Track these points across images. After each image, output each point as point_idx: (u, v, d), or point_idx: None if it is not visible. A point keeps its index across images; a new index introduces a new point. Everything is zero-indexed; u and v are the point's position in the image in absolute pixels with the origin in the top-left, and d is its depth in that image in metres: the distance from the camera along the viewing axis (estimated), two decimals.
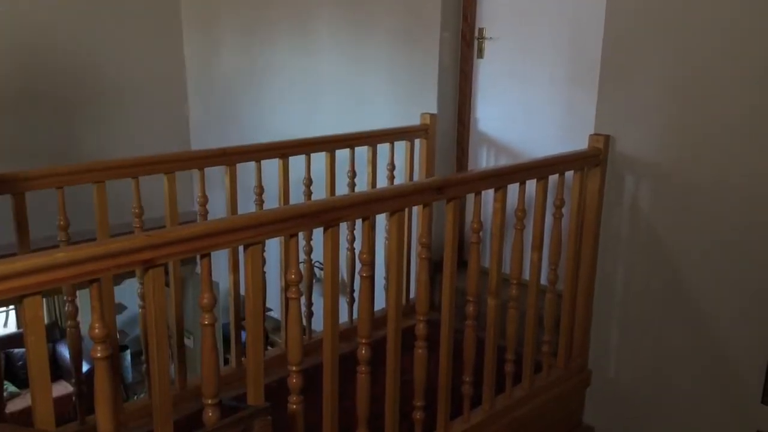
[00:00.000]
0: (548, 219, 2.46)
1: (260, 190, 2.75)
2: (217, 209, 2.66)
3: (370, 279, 1.90)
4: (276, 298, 3.13)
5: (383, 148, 3.13)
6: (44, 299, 1.57)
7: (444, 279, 2.11)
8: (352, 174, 3.05)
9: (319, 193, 2.85)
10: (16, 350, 7.09)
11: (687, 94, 2.38)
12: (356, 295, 2.24)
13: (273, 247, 2.51)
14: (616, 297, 2.67)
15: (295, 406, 1.81)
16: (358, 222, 1.94)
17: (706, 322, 2.43)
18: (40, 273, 1.26)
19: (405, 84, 3.50)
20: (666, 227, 2.49)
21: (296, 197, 2.82)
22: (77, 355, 2.43)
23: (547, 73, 3.09)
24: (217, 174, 2.75)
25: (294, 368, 1.79)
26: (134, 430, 2.35)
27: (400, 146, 3.20)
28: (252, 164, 2.73)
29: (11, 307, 7.51)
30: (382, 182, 3.14)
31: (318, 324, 2.30)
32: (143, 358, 2.80)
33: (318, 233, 1.89)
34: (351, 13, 3.76)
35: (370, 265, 1.88)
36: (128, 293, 3.70)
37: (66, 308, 2.41)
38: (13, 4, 4.25)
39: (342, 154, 2.99)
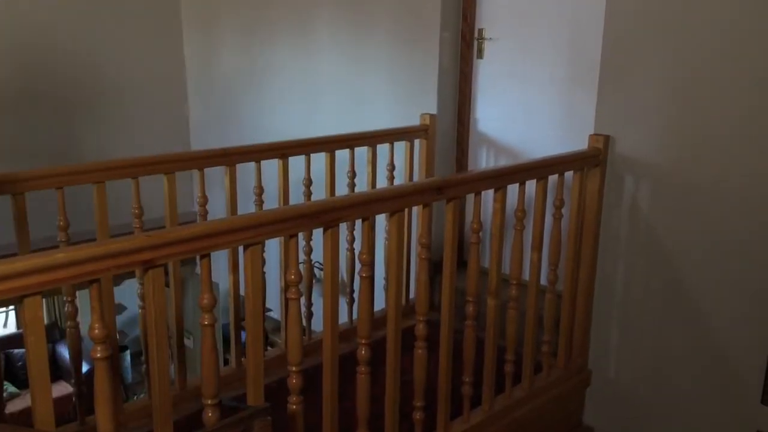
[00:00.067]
0: (548, 219, 2.46)
1: (260, 190, 2.75)
2: (217, 210, 2.66)
3: (370, 279, 1.90)
4: (276, 299, 3.13)
5: (383, 149, 3.13)
6: (44, 299, 1.57)
7: (444, 279, 2.11)
8: (352, 174, 3.05)
9: (319, 193, 2.85)
10: (16, 351, 7.08)
11: (687, 95, 2.38)
12: (356, 295, 2.24)
13: (273, 247, 2.52)
14: (615, 297, 2.67)
15: (294, 407, 1.81)
16: (358, 222, 1.94)
17: (706, 323, 2.43)
18: (40, 273, 1.26)
19: (405, 84, 3.50)
20: (666, 227, 2.50)
21: (296, 198, 2.82)
22: (77, 356, 2.43)
23: (547, 73, 3.09)
24: (216, 174, 2.75)
25: (294, 368, 1.79)
26: (134, 431, 2.35)
27: (400, 146, 3.20)
28: (252, 164, 2.74)
29: (11, 307, 7.51)
30: (381, 182, 3.14)
31: (318, 324, 2.30)
32: (143, 358, 2.80)
33: (318, 233, 1.90)
34: (351, 14, 3.76)
35: (369, 265, 1.88)
36: (128, 294, 3.70)
37: (66, 308, 2.41)
38: (13, 3, 4.25)
39: (342, 155, 2.99)
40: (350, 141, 3.00)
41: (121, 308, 5.82)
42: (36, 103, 4.40)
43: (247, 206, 2.64)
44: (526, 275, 2.42)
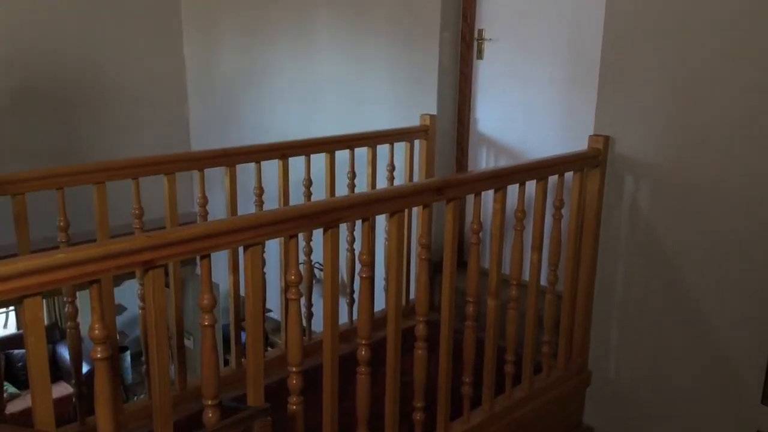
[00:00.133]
0: (548, 220, 2.46)
1: (260, 191, 2.75)
2: (217, 210, 2.66)
3: (370, 280, 1.90)
4: (276, 299, 3.13)
5: (383, 149, 3.13)
6: (44, 300, 1.57)
7: (444, 280, 2.11)
8: (352, 175, 3.05)
9: (319, 194, 2.85)
10: (16, 351, 7.09)
11: (686, 95, 2.38)
12: (356, 296, 2.24)
13: (273, 248, 2.52)
14: (615, 297, 2.67)
15: (295, 407, 1.81)
16: (358, 223, 1.94)
17: (706, 323, 2.43)
18: (41, 274, 1.26)
19: (405, 85, 3.50)
20: (666, 228, 2.50)
21: (296, 198, 2.82)
22: (77, 356, 2.43)
23: (547, 74, 3.09)
24: (217, 175, 2.76)
25: (294, 369, 1.79)
26: (134, 431, 2.35)
27: (400, 147, 3.20)
28: (252, 165, 2.74)
29: (11, 308, 7.51)
30: (381, 183, 3.14)
31: (318, 325, 2.30)
32: (143, 359, 2.80)
33: (318, 234, 1.90)
34: (351, 14, 3.76)
35: (369, 266, 1.88)
36: (128, 294, 3.70)
37: (66, 309, 2.41)
38: (13, 4, 4.26)
39: (342, 155, 2.99)
40: (350, 141, 3.00)
41: (121, 309, 5.82)
42: (36, 103, 4.41)
43: (247, 207, 2.64)
44: (526, 276, 2.42)
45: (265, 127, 4.36)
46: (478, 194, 2.13)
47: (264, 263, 2.25)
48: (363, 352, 1.91)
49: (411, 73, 3.46)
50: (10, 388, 6.58)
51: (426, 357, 2.07)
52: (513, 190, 2.24)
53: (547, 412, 2.60)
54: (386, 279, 2.62)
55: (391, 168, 3.14)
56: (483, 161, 3.43)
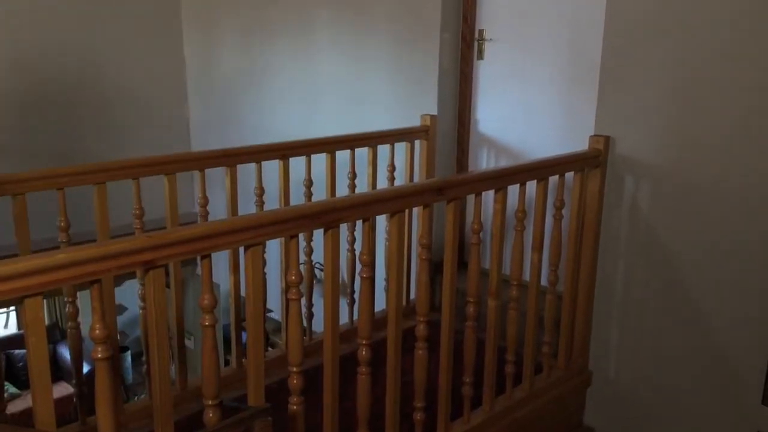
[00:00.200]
0: (548, 220, 2.46)
1: (261, 191, 2.75)
2: (218, 210, 2.66)
3: (371, 280, 1.90)
4: (276, 299, 3.13)
5: (383, 149, 3.13)
6: (45, 300, 1.57)
7: (444, 280, 2.11)
8: (353, 175, 3.05)
9: (320, 194, 2.86)
10: (17, 351, 7.09)
11: (687, 96, 2.38)
12: (357, 296, 2.24)
13: (273, 248, 2.51)
14: (616, 298, 2.67)
15: (295, 407, 1.81)
16: (359, 223, 1.94)
17: (706, 323, 2.44)
18: (41, 274, 1.26)
19: (405, 85, 3.50)
20: (666, 228, 2.50)
21: (297, 198, 2.82)
22: (78, 356, 2.43)
23: (547, 74, 3.09)
24: (217, 175, 2.76)
25: (294, 369, 1.79)
26: (135, 431, 2.35)
27: (401, 147, 3.20)
28: (252, 165, 2.74)
29: (12, 308, 7.51)
30: (382, 183, 3.14)
31: (318, 325, 2.30)
32: (144, 359, 2.80)
33: (318, 234, 1.90)
34: (351, 14, 3.76)
35: (370, 266, 1.88)
36: (129, 294, 3.70)
37: (67, 309, 2.41)
38: (13, 4, 4.26)
39: (342, 156, 2.99)
40: (351, 142, 3.01)
41: (121, 309, 5.82)
42: (36, 103, 4.41)
43: (247, 207, 2.64)
44: (527, 276, 2.42)
45: (265, 127, 4.36)
46: (478, 194, 2.13)
47: (264, 263, 2.25)
48: (363, 353, 1.91)
49: (411, 74, 3.46)
50: (10, 388, 6.59)
51: (426, 357, 2.08)
52: (513, 190, 2.24)
53: (547, 412, 2.60)
54: (387, 279, 2.62)
55: (392, 168, 3.15)
56: (483, 161, 3.43)
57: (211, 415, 1.61)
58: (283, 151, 2.80)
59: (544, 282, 2.50)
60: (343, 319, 2.96)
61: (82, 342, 2.49)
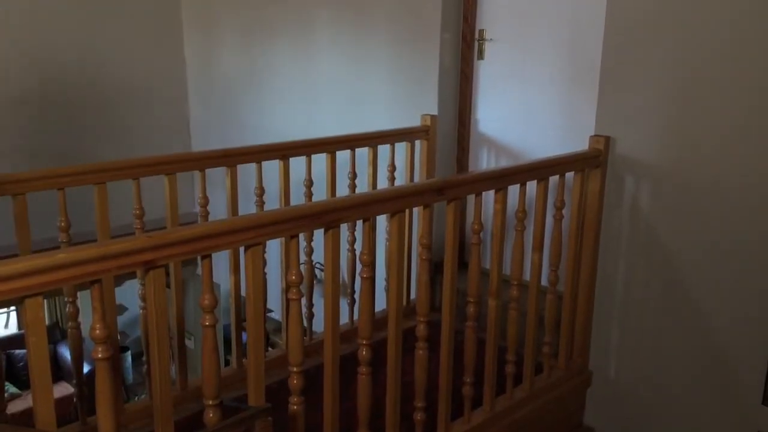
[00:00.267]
0: (549, 220, 2.46)
1: (261, 191, 2.75)
2: (218, 210, 2.66)
3: (371, 280, 1.90)
4: (277, 299, 3.13)
5: (384, 149, 3.13)
6: (45, 300, 1.57)
7: (445, 280, 2.11)
8: (353, 175, 3.05)
9: (320, 194, 2.86)
10: (17, 351, 7.10)
11: (687, 96, 2.38)
12: (357, 296, 2.24)
13: (274, 248, 2.52)
14: (616, 298, 2.67)
15: (295, 407, 1.81)
16: (359, 223, 1.94)
17: (707, 323, 2.43)
18: (42, 274, 1.26)
19: (405, 85, 3.50)
20: (666, 228, 2.50)
21: (297, 198, 2.82)
22: (78, 356, 2.43)
23: (548, 74, 3.09)
24: (217, 175, 2.76)
25: (295, 369, 1.79)
26: (135, 431, 2.35)
27: (401, 147, 3.20)
28: (253, 165, 2.74)
29: (12, 308, 7.52)
30: (382, 183, 3.14)
31: (319, 325, 2.30)
32: (144, 359, 2.80)
33: (319, 234, 1.90)
34: (351, 14, 3.77)
35: (370, 266, 1.88)
36: (129, 294, 3.70)
37: (67, 309, 2.41)
38: (13, 4, 4.26)
39: (343, 156, 2.99)
40: (351, 142, 3.01)
41: (122, 309, 5.82)
42: (36, 103, 4.41)
43: (248, 207, 2.64)
44: (527, 276, 2.42)
45: (265, 127, 4.36)
46: (478, 194, 2.13)
47: (265, 263, 2.25)
48: (364, 353, 1.91)
49: (411, 74, 3.46)
50: (11, 388, 6.59)
51: (427, 357, 2.08)
52: (514, 190, 2.24)
53: (547, 412, 2.60)
54: (387, 279, 2.63)
55: (392, 168, 3.15)
56: (484, 161, 3.43)
57: (211, 415, 1.61)
58: (284, 151, 2.80)
59: (544, 282, 2.50)
60: (344, 319, 2.96)
61: (82, 342, 2.50)
